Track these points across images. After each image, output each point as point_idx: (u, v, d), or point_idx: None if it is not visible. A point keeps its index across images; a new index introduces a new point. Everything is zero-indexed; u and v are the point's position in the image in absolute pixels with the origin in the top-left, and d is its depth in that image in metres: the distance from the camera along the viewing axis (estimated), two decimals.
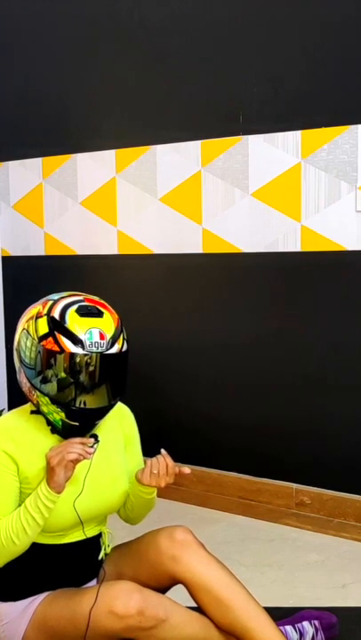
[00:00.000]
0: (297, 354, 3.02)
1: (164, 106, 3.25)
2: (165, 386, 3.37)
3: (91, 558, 1.91)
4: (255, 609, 1.82)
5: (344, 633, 2.12)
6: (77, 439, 1.75)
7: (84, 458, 1.73)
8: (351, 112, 2.81)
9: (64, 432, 1.80)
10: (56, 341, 1.73)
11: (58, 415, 1.78)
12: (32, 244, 3.73)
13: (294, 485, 3.06)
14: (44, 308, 1.80)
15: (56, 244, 3.64)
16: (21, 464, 1.77)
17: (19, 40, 3.66)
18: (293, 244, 2.98)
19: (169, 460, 1.87)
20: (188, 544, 1.87)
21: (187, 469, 1.87)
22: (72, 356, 1.73)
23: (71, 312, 1.77)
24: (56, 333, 1.74)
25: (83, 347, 1.73)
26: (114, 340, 1.77)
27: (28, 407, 1.88)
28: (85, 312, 1.78)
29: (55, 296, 1.84)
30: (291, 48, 2.93)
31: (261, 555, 2.77)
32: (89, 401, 1.77)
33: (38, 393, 1.78)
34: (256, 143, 3.02)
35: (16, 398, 3.32)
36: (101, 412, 1.81)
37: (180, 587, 1.87)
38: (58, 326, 1.75)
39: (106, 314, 1.80)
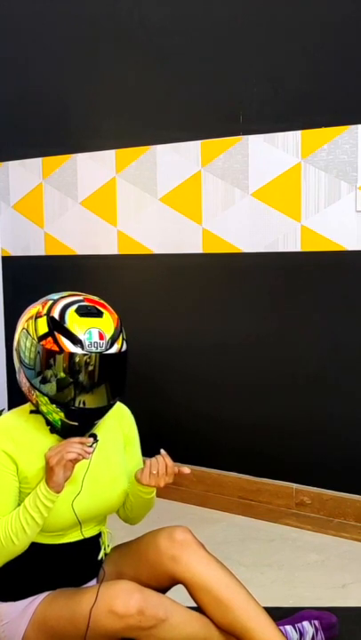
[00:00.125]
0: (297, 354, 3.02)
1: (164, 106, 3.25)
2: (165, 386, 3.37)
3: (90, 558, 1.91)
4: (255, 609, 1.82)
5: (344, 633, 2.12)
6: (76, 439, 1.76)
7: (83, 457, 1.73)
8: (351, 112, 2.81)
9: (63, 432, 1.80)
10: (55, 341, 1.74)
11: (57, 415, 1.78)
12: (32, 244, 3.73)
13: (294, 485, 3.06)
14: (43, 307, 1.80)
15: (56, 244, 3.64)
16: (21, 464, 1.77)
17: (19, 40, 3.66)
18: (293, 244, 2.98)
19: (168, 460, 1.87)
20: (188, 544, 1.87)
21: (186, 469, 1.87)
22: (71, 355, 1.73)
23: (71, 312, 1.77)
24: (55, 333, 1.74)
25: (82, 347, 1.73)
26: (113, 340, 1.77)
27: (27, 407, 1.88)
28: (85, 312, 1.78)
29: (55, 296, 1.84)
30: (291, 48, 2.93)
31: (261, 555, 2.77)
32: (88, 401, 1.78)
33: (37, 393, 1.78)
34: (256, 143, 3.02)
35: (16, 398, 3.31)
36: (100, 412, 1.81)
37: (180, 587, 1.87)
38: (57, 326, 1.75)
39: (105, 314, 1.80)
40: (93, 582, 1.91)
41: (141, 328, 3.21)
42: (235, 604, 1.81)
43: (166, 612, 1.72)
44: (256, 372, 3.12)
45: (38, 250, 3.71)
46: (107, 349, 1.75)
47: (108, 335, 1.76)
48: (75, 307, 1.78)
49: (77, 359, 1.73)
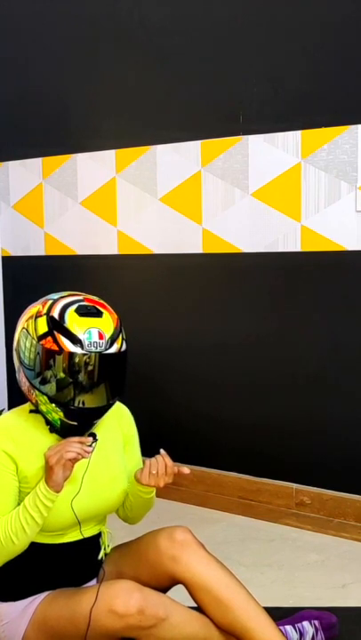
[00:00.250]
0: (297, 354, 3.02)
1: (164, 106, 3.25)
2: (165, 386, 3.37)
3: (90, 558, 1.91)
4: (255, 609, 1.82)
5: (344, 633, 2.12)
6: (76, 438, 1.76)
7: (83, 457, 1.73)
8: (351, 112, 2.81)
9: (62, 431, 1.80)
10: (55, 341, 1.74)
11: (56, 414, 1.78)
12: (32, 244, 3.73)
13: (294, 485, 3.06)
14: (43, 307, 1.80)
15: (56, 244, 3.64)
16: (20, 463, 1.77)
17: (19, 40, 3.66)
18: (293, 244, 2.98)
19: (168, 460, 1.87)
20: (188, 544, 1.87)
21: (186, 469, 1.87)
22: (71, 355, 1.73)
23: (70, 312, 1.77)
24: (55, 333, 1.74)
25: (82, 346, 1.73)
26: (113, 340, 1.77)
27: (27, 407, 1.88)
28: (85, 312, 1.78)
29: (55, 295, 1.84)
30: (291, 48, 2.93)
31: (261, 555, 2.77)
32: (88, 400, 1.78)
33: (37, 392, 1.78)
34: (256, 143, 3.02)
35: (16, 398, 3.31)
36: (100, 412, 1.82)
37: (180, 587, 1.87)
38: (57, 326, 1.75)
39: (105, 314, 1.80)
40: (93, 582, 1.91)
41: (141, 328, 3.21)
42: (235, 604, 1.81)
43: (166, 612, 1.72)
44: (256, 372, 3.12)
45: (38, 250, 3.71)
46: (106, 349, 1.76)
47: (107, 335, 1.77)
48: (75, 306, 1.79)
49: (77, 359, 1.73)
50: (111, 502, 1.91)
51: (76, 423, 1.79)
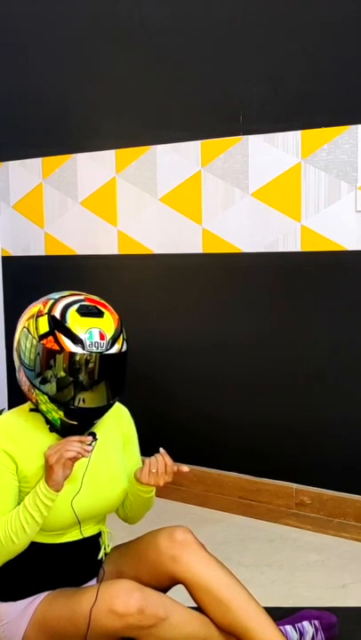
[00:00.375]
0: (297, 354, 3.02)
1: (164, 106, 3.25)
2: (165, 386, 3.37)
3: (90, 558, 1.91)
4: (255, 609, 1.82)
5: (344, 633, 2.12)
6: (75, 437, 1.76)
7: (83, 456, 1.73)
8: (351, 112, 2.81)
9: (63, 431, 1.80)
10: (56, 340, 1.74)
11: (57, 414, 1.78)
12: (32, 244, 3.73)
13: (294, 485, 3.06)
14: (44, 306, 1.80)
15: (56, 244, 3.64)
16: (20, 463, 1.77)
17: (19, 40, 3.66)
18: (293, 244, 2.98)
19: (167, 458, 1.88)
20: (188, 544, 1.87)
21: (185, 468, 1.87)
22: (72, 355, 1.73)
23: (72, 311, 1.77)
24: (56, 332, 1.74)
25: (83, 346, 1.73)
26: (114, 340, 1.77)
27: (26, 406, 1.88)
28: (86, 312, 1.78)
29: (56, 295, 1.84)
30: (291, 48, 2.93)
31: (261, 555, 2.77)
32: (88, 400, 1.78)
33: (37, 392, 1.78)
34: (256, 143, 3.02)
35: (16, 398, 3.31)
36: (100, 412, 1.82)
37: (180, 587, 1.87)
38: (58, 325, 1.75)
39: (106, 314, 1.80)
40: (93, 582, 1.91)
41: (141, 328, 3.21)
42: (235, 604, 1.81)
43: (166, 611, 1.72)
44: (256, 372, 3.12)
45: (38, 250, 3.71)
46: (107, 349, 1.76)
47: (108, 335, 1.77)
48: (76, 306, 1.79)
49: (78, 359, 1.73)
50: (111, 502, 1.91)
51: (76, 423, 1.79)
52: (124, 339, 1.81)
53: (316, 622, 2.06)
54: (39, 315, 1.79)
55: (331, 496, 2.98)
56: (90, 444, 1.75)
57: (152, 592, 1.75)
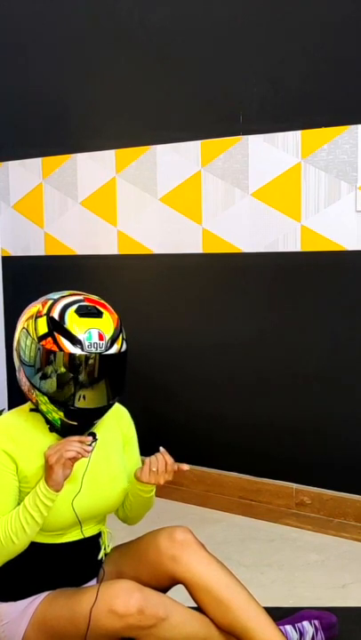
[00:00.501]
0: (297, 354, 3.02)
1: (164, 106, 3.25)
2: (165, 386, 3.37)
3: (90, 558, 1.91)
4: (255, 609, 1.82)
5: (344, 633, 2.12)
6: (75, 437, 1.75)
7: (83, 456, 1.73)
8: (351, 112, 2.81)
9: (63, 431, 1.80)
10: (55, 342, 1.74)
11: (57, 414, 1.78)
12: (32, 244, 3.73)
13: (294, 485, 3.06)
14: (43, 307, 1.80)
15: (56, 244, 3.64)
16: (20, 463, 1.77)
17: (19, 40, 3.66)
18: (293, 244, 2.98)
19: (168, 457, 1.88)
20: (189, 544, 1.87)
21: (185, 466, 1.87)
22: (71, 356, 1.73)
23: (70, 312, 1.77)
24: (55, 334, 1.74)
25: (82, 347, 1.73)
26: (113, 341, 1.77)
27: (27, 406, 1.88)
28: (85, 312, 1.78)
29: (55, 295, 1.84)
30: (291, 48, 2.93)
31: (261, 555, 2.77)
32: (88, 400, 1.77)
33: (37, 392, 1.78)
34: (256, 143, 3.02)
35: (16, 398, 3.31)
36: (100, 412, 1.81)
37: (180, 587, 1.87)
38: (57, 326, 1.75)
39: (105, 314, 1.80)
40: (93, 582, 1.91)
41: (141, 328, 3.22)
42: (235, 604, 1.81)
43: (166, 612, 1.72)
44: (256, 372, 3.12)
45: (38, 250, 3.71)
46: (106, 350, 1.75)
47: (107, 335, 1.76)
48: (75, 307, 1.78)
49: (77, 360, 1.73)
50: (111, 502, 1.91)
51: (76, 423, 1.79)
52: (123, 339, 1.81)
53: (316, 622, 2.06)
54: (38, 315, 1.79)
55: (331, 496, 2.98)
56: (90, 445, 1.75)
57: (152, 592, 1.75)
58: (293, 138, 2.93)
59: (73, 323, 1.75)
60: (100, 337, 1.75)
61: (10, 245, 3.82)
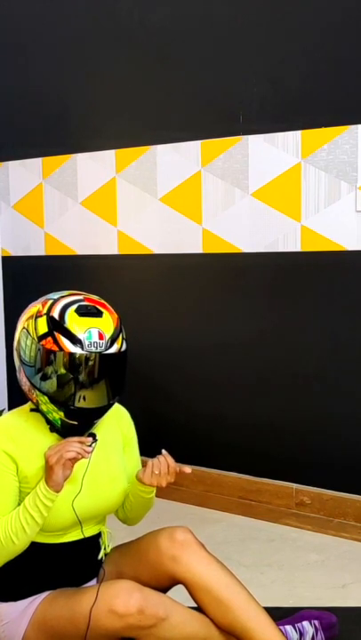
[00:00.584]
0: (297, 354, 3.02)
1: (164, 106, 3.25)
2: (165, 386, 3.37)
3: (90, 558, 1.91)
4: (255, 609, 1.82)
5: (344, 633, 2.12)
6: (75, 438, 1.76)
7: (83, 456, 1.73)
8: (351, 112, 2.81)
9: (63, 431, 1.80)
10: (55, 341, 1.74)
11: (57, 414, 1.78)
12: (32, 244, 3.73)
13: (294, 485, 3.06)
14: (43, 307, 1.80)
15: (56, 244, 3.64)
16: (20, 463, 1.77)
17: (19, 40, 3.66)
18: (293, 244, 2.98)
19: (170, 459, 1.88)
20: (189, 544, 1.87)
21: (187, 469, 1.87)
22: (71, 355, 1.73)
23: (70, 312, 1.77)
24: (55, 333, 1.74)
25: (82, 347, 1.73)
26: (113, 340, 1.77)
27: (27, 406, 1.88)
28: (85, 312, 1.78)
29: (55, 295, 1.84)
30: (291, 48, 2.93)
31: (261, 555, 2.77)
32: (88, 400, 1.78)
33: (37, 392, 1.78)
34: (256, 143, 3.02)
35: (16, 398, 3.31)
36: (100, 412, 1.82)
37: (180, 587, 1.87)
38: (57, 326, 1.75)
39: (105, 313, 1.80)
40: (93, 582, 1.91)
41: (141, 328, 3.22)
42: (235, 604, 1.81)
43: (166, 612, 1.72)
44: (256, 372, 3.12)
45: (38, 250, 3.71)
46: (106, 349, 1.75)
47: (107, 335, 1.77)
48: (75, 306, 1.79)
49: (77, 359, 1.73)
50: (111, 502, 1.91)
51: (76, 423, 1.79)
52: (123, 338, 1.81)
53: (316, 622, 2.06)
54: (38, 315, 1.79)
55: (331, 496, 2.98)
56: (90, 445, 1.75)
57: (152, 592, 1.75)
58: (293, 138, 2.93)
59: (73, 322, 1.75)
60: (100, 336, 1.75)
61: (10, 245, 3.82)
